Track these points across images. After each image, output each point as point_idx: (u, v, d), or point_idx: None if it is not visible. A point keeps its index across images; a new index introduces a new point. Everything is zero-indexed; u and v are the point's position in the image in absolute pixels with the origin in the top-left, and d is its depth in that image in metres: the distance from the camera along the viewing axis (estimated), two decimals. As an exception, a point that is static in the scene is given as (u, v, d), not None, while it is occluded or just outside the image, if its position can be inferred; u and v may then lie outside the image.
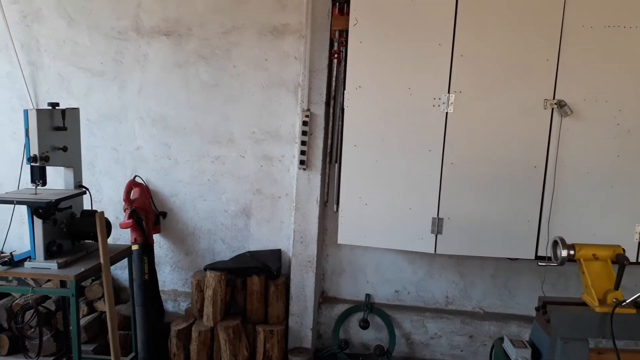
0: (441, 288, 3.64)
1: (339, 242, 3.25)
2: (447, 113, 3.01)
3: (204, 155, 3.64)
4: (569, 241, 1.90)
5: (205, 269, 3.50)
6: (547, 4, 2.88)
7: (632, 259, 2.96)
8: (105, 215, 2.70)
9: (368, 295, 3.67)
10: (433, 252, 3.15)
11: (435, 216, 3.10)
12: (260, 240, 3.69)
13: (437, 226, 3.10)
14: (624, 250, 1.79)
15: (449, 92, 2.98)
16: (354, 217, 3.18)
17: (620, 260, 1.75)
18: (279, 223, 3.65)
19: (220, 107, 3.58)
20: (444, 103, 3.00)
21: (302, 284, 3.54)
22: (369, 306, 3.61)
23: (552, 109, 2.93)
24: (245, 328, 3.44)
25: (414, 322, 3.58)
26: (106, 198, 3.78)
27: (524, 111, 2.97)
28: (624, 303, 1.72)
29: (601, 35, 2.86)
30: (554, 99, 2.92)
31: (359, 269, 3.70)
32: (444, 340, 3.57)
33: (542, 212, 3.02)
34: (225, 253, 3.70)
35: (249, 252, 3.66)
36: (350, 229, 3.21)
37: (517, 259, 3.26)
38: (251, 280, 3.44)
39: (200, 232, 3.73)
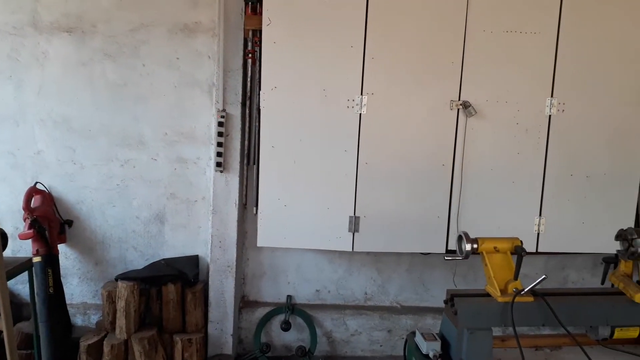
0: (360, 285, 3.71)
1: (258, 244, 3.20)
2: (360, 114, 3.06)
3: (112, 159, 3.44)
4: (476, 234, 2.00)
5: (116, 279, 3.32)
6: (451, 9, 3.02)
7: (532, 249, 3.19)
8: (2, 226, 2.47)
9: (289, 297, 3.66)
10: (351, 250, 3.19)
11: (352, 215, 3.15)
12: (175, 246, 3.55)
13: (354, 224, 3.15)
14: (521, 242, 1.90)
15: (361, 93, 3.04)
16: (274, 218, 3.16)
17: (518, 252, 1.86)
18: (196, 228, 3.54)
19: (130, 107, 3.41)
20: (357, 104, 3.05)
21: (222, 290, 3.46)
22: (290, 307, 3.60)
23: (458, 109, 3.08)
24: (162, 338, 3.30)
25: (335, 320, 3.62)
26: (4, 207, 3.46)
27: (432, 112, 3.10)
28: (523, 292, 1.82)
29: (500, 39, 3.04)
30: (459, 100, 3.07)
31: (280, 270, 3.67)
32: (364, 337, 3.64)
33: (451, 208, 3.16)
34: (138, 261, 3.53)
35: (163, 259, 3.51)
36: (270, 231, 3.17)
37: (429, 253, 3.38)
38: (166, 288, 3.31)
39: (111, 240, 3.52)
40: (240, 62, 3.29)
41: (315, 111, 3.07)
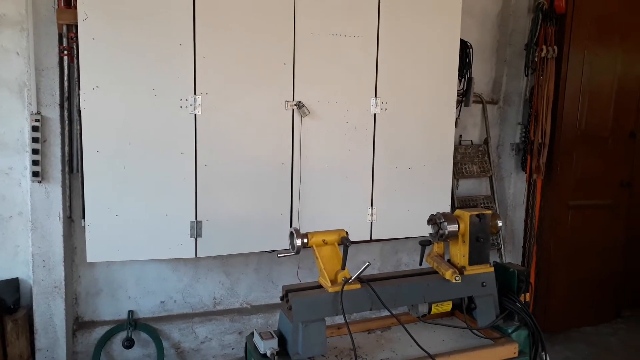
0: (208, 290, 3.62)
1: (88, 260, 2.91)
2: (195, 115, 2.97)
3: None
4: (316, 228, 2.06)
5: None
6: (279, 11, 3.06)
7: (367, 237, 3.42)
8: None
9: (131, 312, 3.42)
10: (194, 256, 3.08)
11: (194, 220, 3.05)
12: (-12, 270, 3.09)
13: (196, 229, 3.05)
14: (347, 233, 2.00)
15: (195, 93, 2.95)
16: (104, 230, 2.89)
17: (344, 242, 1.95)
18: (14, 247, 3.12)
19: None
20: (191, 105, 2.95)
21: (49, 314, 3.11)
22: (132, 323, 3.37)
23: (293, 109, 3.15)
24: (-25, 379, 2.86)
25: (183, 330, 3.48)
26: None
27: (269, 112, 3.12)
28: (350, 280, 1.93)
29: (327, 42, 3.17)
30: (293, 100, 3.15)
31: (118, 285, 3.41)
32: (214, 342, 3.56)
33: (293, 205, 3.23)
34: (-62, 293, 3.00)
35: (-26, 286, 3.04)
36: (101, 244, 2.90)
37: (274, 250, 3.43)
38: (-22, 320, 2.87)
39: None
40: (56, 59, 2.98)
41: (145, 112, 2.88)
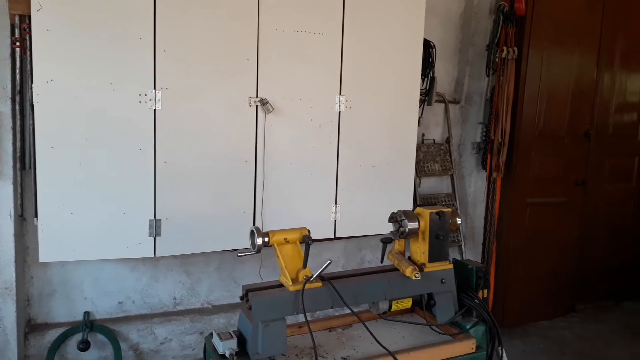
0: (168, 290, 3.54)
1: (41, 260, 2.79)
2: (155, 110, 2.89)
3: None
4: (280, 226, 2.03)
5: None
6: (245, 5, 3.01)
7: (331, 234, 3.42)
8: None
9: (87, 313, 3.32)
10: (153, 255, 3.01)
11: (153, 218, 2.97)
12: None
13: (155, 228, 2.98)
14: (309, 231, 1.99)
15: (155, 88, 2.87)
16: (58, 229, 2.79)
17: (305, 241, 1.94)
18: (-40, 247, 2.98)
19: None
20: (150, 100, 2.87)
21: (0, 316, 2.97)
22: (88, 325, 3.26)
23: (257, 106, 3.12)
24: None
25: (141, 331, 3.40)
26: None
27: (232, 108, 3.07)
28: (312, 279, 1.91)
29: (292, 38, 3.15)
30: (257, 96, 3.11)
31: (73, 286, 3.30)
32: (174, 343, 3.49)
33: (256, 203, 3.20)
34: None
35: None
36: (55, 244, 2.79)
37: (237, 249, 3.38)
38: None
39: None
40: (8, 51, 2.85)
41: (102, 107, 2.79)
